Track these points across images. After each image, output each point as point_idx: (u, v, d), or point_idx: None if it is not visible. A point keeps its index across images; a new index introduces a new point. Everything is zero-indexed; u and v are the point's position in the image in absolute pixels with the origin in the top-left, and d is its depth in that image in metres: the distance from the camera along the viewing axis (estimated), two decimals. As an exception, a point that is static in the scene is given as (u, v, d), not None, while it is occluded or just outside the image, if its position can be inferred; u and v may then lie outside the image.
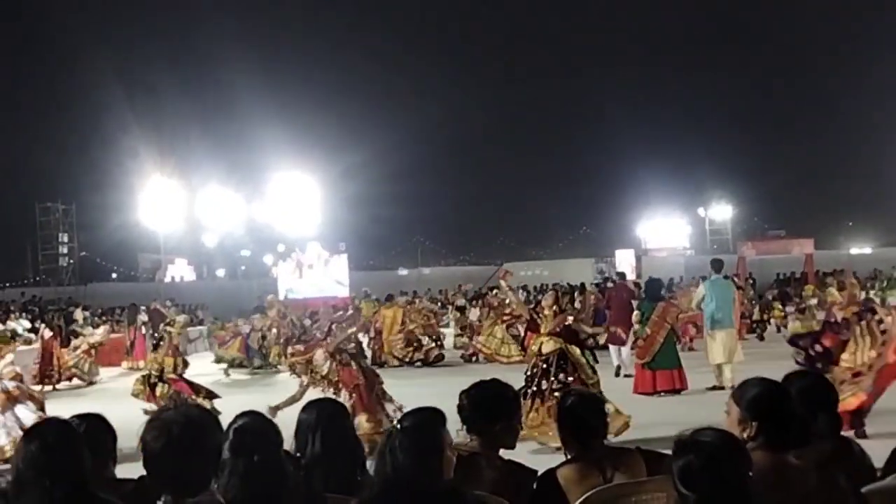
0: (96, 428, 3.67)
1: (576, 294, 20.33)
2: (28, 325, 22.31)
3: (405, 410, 3.54)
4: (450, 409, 3.51)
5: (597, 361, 9.78)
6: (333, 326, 10.33)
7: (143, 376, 11.62)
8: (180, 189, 38.00)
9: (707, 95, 56.02)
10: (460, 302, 26.11)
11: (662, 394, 12.38)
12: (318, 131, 46.84)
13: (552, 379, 8.88)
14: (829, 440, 3.55)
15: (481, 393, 3.86)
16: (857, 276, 22.46)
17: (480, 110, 59.56)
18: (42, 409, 9.62)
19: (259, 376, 18.27)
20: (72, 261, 40.44)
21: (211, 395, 11.15)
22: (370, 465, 3.44)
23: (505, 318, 18.59)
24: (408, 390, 10.14)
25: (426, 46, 59.94)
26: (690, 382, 12.70)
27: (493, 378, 3.99)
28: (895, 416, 8.81)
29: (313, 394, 8.72)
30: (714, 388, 12.56)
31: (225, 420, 3.18)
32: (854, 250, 44.11)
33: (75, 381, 17.85)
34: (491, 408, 3.81)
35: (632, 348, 14.01)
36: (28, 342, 16.74)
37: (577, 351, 9.27)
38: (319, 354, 9.43)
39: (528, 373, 9.13)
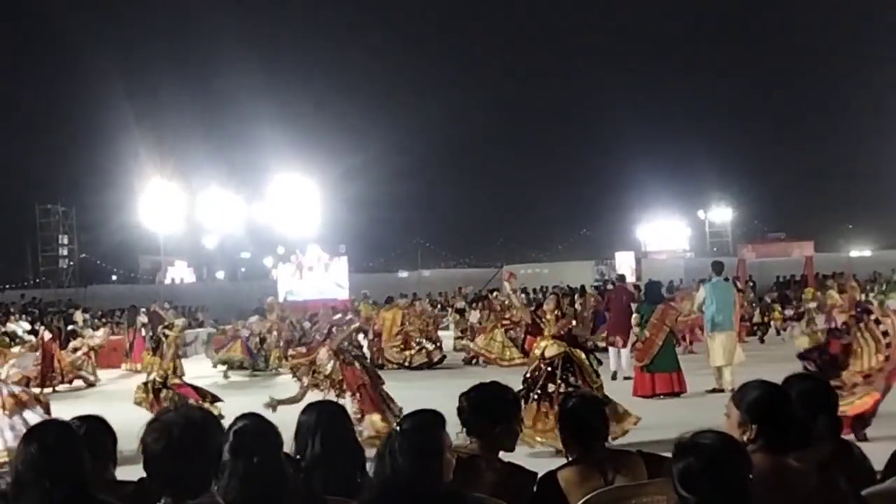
0: (96, 430, 3.67)
1: (576, 296, 20.34)
2: (28, 326, 22.27)
3: (405, 413, 3.54)
4: (449, 411, 3.51)
5: (600, 363, 9.80)
6: (333, 329, 10.30)
7: (145, 383, 11.46)
8: (180, 191, 38.01)
9: (707, 97, 56.11)
10: (460, 304, 26.12)
11: (661, 397, 12.38)
12: (318, 133, 46.90)
13: (559, 382, 8.87)
14: (829, 443, 3.55)
15: (481, 395, 3.86)
16: (857, 279, 22.45)
17: (480, 111, 59.64)
18: (48, 412, 9.59)
19: (259, 378, 18.25)
20: (72, 262, 40.45)
21: (215, 399, 11.10)
22: (370, 466, 3.44)
23: (504, 322, 18.63)
24: (407, 393, 10.14)
25: (426, 47, 60.05)
26: (690, 385, 12.70)
27: (492, 381, 3.99)
28: (895, 419, 8.82)
29: (313, 396, 8.72)
30: (714, 390, 12.56)
31: (225, 422, 3.19)
32: (854, 253, 44.11)
33: (76, 384, 17.83)
34: (491, 410, 3.81)
35: (631, 351, 14.01)
36: (33, 348, 16.65)
37: (582, 354, 9.29)
38: (323, 353, 9.42)
39: (529, 375, 9.12)
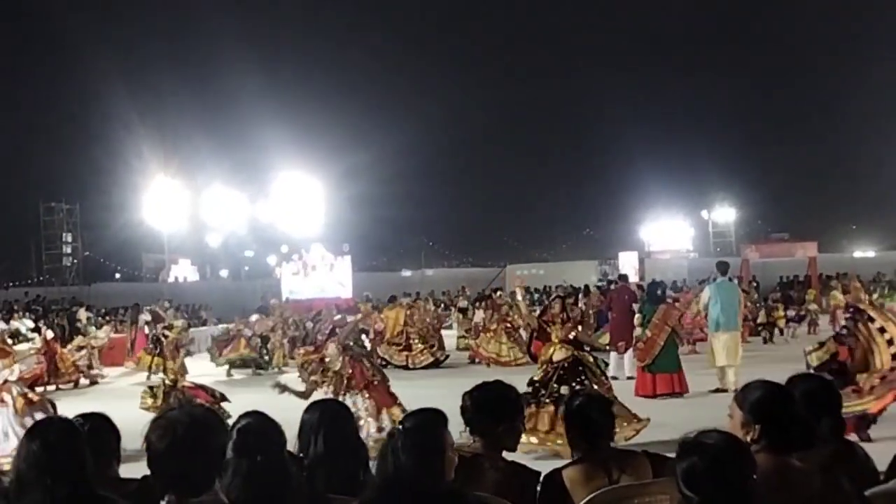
0: (100, 427, 3.67)
1: (580, 296, 20.37)
2: (31, 324, 22.30)
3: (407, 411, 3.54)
4: (452, 410, 3.51)
5: (606, 365, 9.81)
6: (336, 329, 10.29)
7: (151, 387, 11.38)
8: (184, 189, 38.05)
9: (710, 97, 56.09)
10: (462, 304, 26.13)
11: (665, 396, 12.37)
12: (322, 132, 46.94)
13: (574, 384, 8.86)
14: (832, 443, 3.55)
15: (484, 394, 3.85)
16: (861, 280, 22.42)
17: (483, 111, 59.68)
18: (55, 413, 9.58)
19: (262, 377, 18.25)
20: (75, 260, 40.48)
21: (223, 399, 11.06)
22: (373, 465, 3.44)
23: (505, 323, 18.67)
24: (410, 391, 10.14)
25: (428, 47, 60.09)
26: (693, 385, 12.69)
27: (496, 380, 3.99)
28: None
29: (316, 395, 8.71)
30: (717, 390, 12.55)
31: (229, 421, 3.19)
32: (857, 253, 44.10)
33: (81, 381, 17.82)
34: (494, 409, 3.80)
35: (634, 350, 14.01)
36: (39, 352, 16.61)
37: (589, 357, 9.30)
38: (332, 348, 9.42)
39: (538, 379, 9.10)
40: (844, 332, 9.49)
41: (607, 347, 15.17)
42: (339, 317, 11.01)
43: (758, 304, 22.61)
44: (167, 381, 11.13)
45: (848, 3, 53.42)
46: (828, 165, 52.82)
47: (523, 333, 18.24)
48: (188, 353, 14.92)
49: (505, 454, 3.85)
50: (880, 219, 48.81)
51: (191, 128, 45.75)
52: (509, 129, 61.99)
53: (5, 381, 9.67)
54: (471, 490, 3.23)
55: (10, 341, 13.23)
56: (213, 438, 2.80)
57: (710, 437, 2.73)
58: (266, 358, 19.12)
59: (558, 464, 3.88)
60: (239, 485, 3.05)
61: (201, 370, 16.73)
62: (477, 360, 18.74)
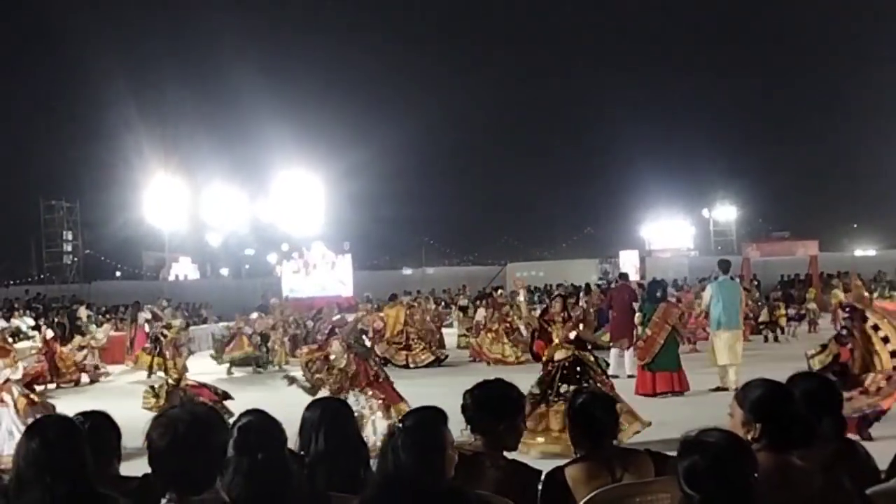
0: (101, 425, 3.67)
1: (581, 295, 20.36)
2: (32, 322, 22.32)
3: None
4: (453, 408, 3.51)
5: (607, 364, 9.81)
6: (336, 329, 10.30)
7: (152, 387, 11.35)
8: (184, 187, 38.09)
9: (711, 96, 56.11)
10: (463, 302, 26.12)
11: (665, 395, 12.37)
12: (322, 130, 46.87)
13: (576, 383, 8.86)
14: (833, 442, 3.55)
15: (486, 392, 3.85)
16: (862, 279, 22.40)
17: (484, 110, 59.66)
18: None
19: (263, 375, 18.28)
20: (76, 258, 40.51)
21: (226, 397, 11.04)
22: (374, 463, 3.44)
23: (504, 323, 18.69)
24: (411, 390, 10.13)
25: (428, 46, 60.05)
26: (694, 384, 12.69)
27: (497, 378, 3.99)
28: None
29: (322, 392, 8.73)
30: (718, 388, 12.55)
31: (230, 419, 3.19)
32: (858, 252, 44.09)
33: (83, 380, 17.81)
34: (495, 407, 3.80)
35: (634, 349, 14.01)
36: (39, 351, 16.60)
37: (590, 356, 9.30)
38: (336, 345, 9.42)
39: (544, 378, 9.09)
40: (844, 332, 9.48)
41: (609, 345, 15.17)
42: (338, 316, 11.03)
43: (759, 303, 22.62)
44: (170, 381, 11.08)
45: (848, 3, 53.43)
46: (828, 164, 52.83)
47: (523, 331, 18.27)
48: (190, 352, 14.90)
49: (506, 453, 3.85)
50: (881, 217, 48.82)
51: (191, 126, 45.75)
52: (510, 127, 62.09)
53: (6, 381, 9.66)
54: (472, 488, 3.22)
55: (10, 340, 13.22)
56: (215, 436, 2.80)
57: (711, 436, 2.73)
58: (267, 356, 19.11)
59: (559, 462, 3.87)
60: (240, 483, 3.05)
61: (203, 369, 16.73)
62: (478, 358, 18.73)
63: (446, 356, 19.25)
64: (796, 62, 57.24)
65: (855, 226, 52.70)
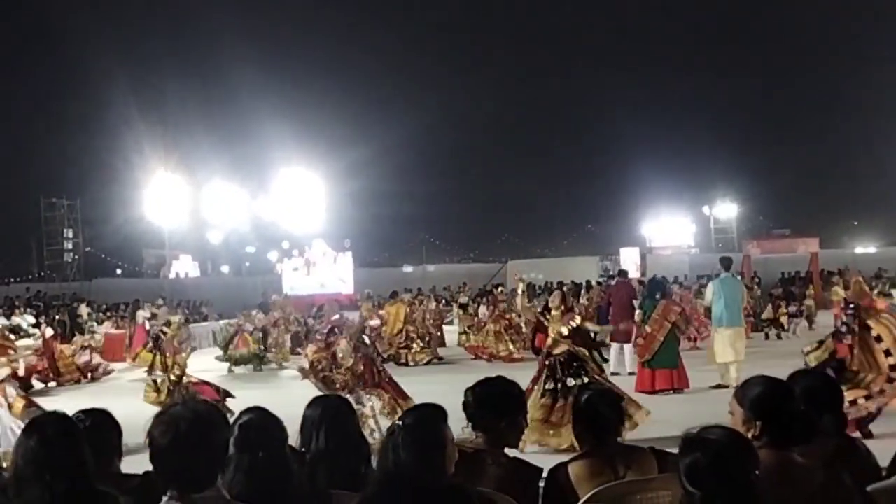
0: (102, 423, 3.67)
1: (582, 292, 20.38)
2: (32, 320, 22.34)
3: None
4: (454, 405, 3.51)
5: (605, 360, 9.81)
6: (336, 329, 10.29)
7: (154, 381, 11.34)
8: (185, 185, 37.98)
9: (711, 94, 56.12)
10: (463, 300, 26.13)
11: (664, 392, 12.37)
12: (323, 127, 46.89)
13: (572, 377, 8.88)
14: (834, 439, 3.55)
15: (487, 390, 3.85)
16: (863, 276, 22.39)
17: (484, 108, 59.65)
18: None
19: (264, 373, 18.28)
20: (77, 256, 40.51)
21: (227, 395, 11.04)
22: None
23: (504, 320, 18.69)
24: (411, 387, 10.13)
25: (428, 45, 60.05)
26: (694, 381, 12.69)
27: (498, 375, 3.99)
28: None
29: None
30: (718, 386, 12.54)
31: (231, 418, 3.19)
32: (859, 249, 44.02)
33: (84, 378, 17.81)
34: (497, 405, 3.80)
35: (634, 346, 14.02)
36: (38, 352, 16.57)
37: (585, 352, 9.31)
38: (344, 345, 9.43)
39: (545, 370, 9.11)
40: (844, 328, 9.47)
41: (608, 342, 15.18)
42: (337, 316, 11.01)
43: (760, 301, 22.63)
44: (172, 377, 11.09)
45: (848, 3, 53.39)
46: (829, 162, 52.85)
47: (523, 328, 18.28)
48: (193, 348, 14.88)
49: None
50: (882, 215, 48.77)
51: (192, 124, 45.75)
52: (510, 125, 62.13)
53: (1, 381, 9.63)
54: (473, 486, 3.22)
55: (12, 336, 13.22)
56: (216, 434, 2.80)
57: (712, 433, 2.73)
58: (264, 352, 19.06)
59: (562, 459, 3.87)
60: (241, 480, 3.06)
61: (203, 366, 16.72)
62: (477, 355, 18.72)
63: (441, 358, 19.22)
64: (796, 62, 57.28)
65: (855, 223, 52.65)
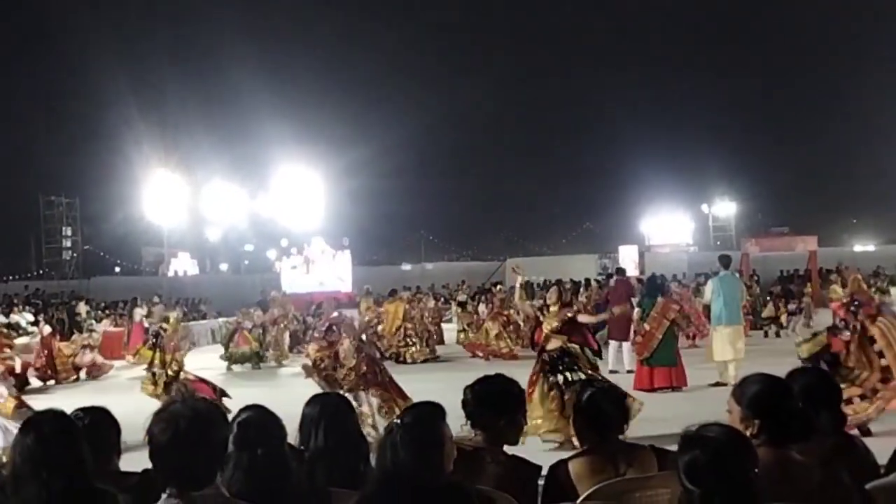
0: (101, 421, 3.67)
1: (581, 289, 20.37)
2: (31, 318, 22.33)
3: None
4: (452, 403, 3.51)
5: (600, 358, 9.80)
6: (333, 327, 10.29)
7: (153, 373, 11.35)
8: (184, 183, 38.01)
9: (710, 92, 56.08)
10: (462, 297, 26.13)
11: (663, 390, 12.38)
12: (322, 126, 46.89)
13: (565, 373, 8.89)
14: (832, 437, 3.55)
15: (486, 388, 3.85)
16: (861, 273, 22.40)
17: (484, 107, 59.61)
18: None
19: (263, 371, 18.28)
20: (75, 254, 40.51)
21: (223, 395, 11.03)
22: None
23: (501, 318, 18.70)
24: (410, 385, 10.13)
25: (428, 44, 60.05)
26: (693, 379, 12.70)
27: (497, 373, 3.98)
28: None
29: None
30: (717, 384, 12.55)
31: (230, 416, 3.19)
32: (857, 247, 44.03)
33: (82, 375, 17.79)
34: (496, 403, 3.80)
35: (632, 344, 14.03)
36: (37, 351, 16.53)
37: (578, 348, 9.31)
38: (347, 344, 9.43)
39: (543, 365, 9.12)
40: (842, 324, 9.47)
41: (607, 341, 15.18)
42: (335, 314, 11.02)
43: (759, 299, 22.64)
44: (169, 372, 11.11)
45: (848, 3, 53.39)
46: (828, 161, 52.83)
47: (522, 324, 18.28)
48: (192, 345, 14.87)
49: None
50: (880, 213, 48.79)
51: (191, 122, 45.76)
52: (509, 124, 62.16)
53: None
54: (472, 484, 3.22)
55: (13, 334, 13.23)
56: (216, 432, 2.80)
57: (711, 431, 2.74)
58: (262, 350, 19.05)
59: (562, 456, 3.87)
60: (240, 478, 3.06)
61: (201, 364, 16.72)
62: (475, 354, 18.73)
63: (438, 356, 19.22)
64: (796, 62, 57.25)
65: (854, 221, 52.67)
